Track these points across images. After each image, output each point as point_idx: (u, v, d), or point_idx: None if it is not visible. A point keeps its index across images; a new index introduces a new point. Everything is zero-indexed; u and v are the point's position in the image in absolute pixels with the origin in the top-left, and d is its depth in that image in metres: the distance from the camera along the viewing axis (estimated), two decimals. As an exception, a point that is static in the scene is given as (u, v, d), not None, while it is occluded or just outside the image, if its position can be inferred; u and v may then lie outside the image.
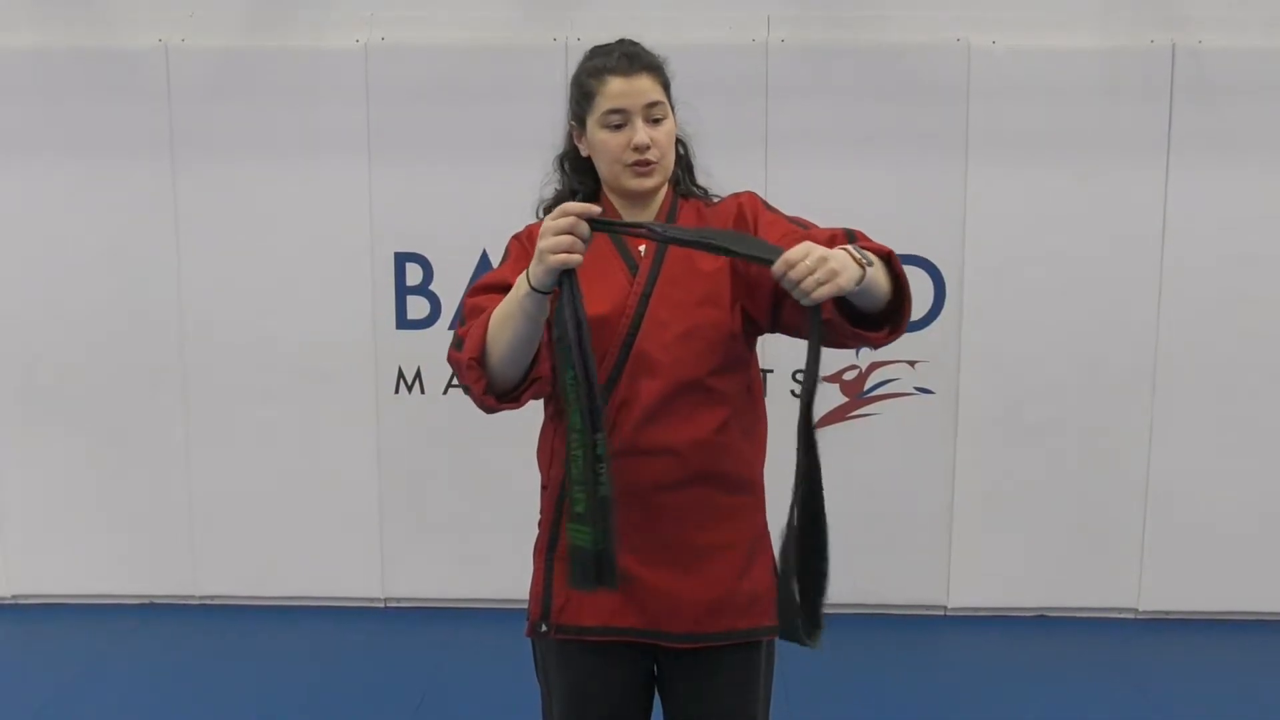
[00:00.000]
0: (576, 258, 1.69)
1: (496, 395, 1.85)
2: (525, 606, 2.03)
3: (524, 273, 1.76)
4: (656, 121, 1.91)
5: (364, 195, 4.04)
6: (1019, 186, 3.97)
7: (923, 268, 4.03)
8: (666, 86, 1.95)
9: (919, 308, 4.03)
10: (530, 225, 2.03)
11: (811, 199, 3.86)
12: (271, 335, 4.13)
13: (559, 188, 2.06)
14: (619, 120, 1.90)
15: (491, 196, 3.96)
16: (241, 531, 4.24)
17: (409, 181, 4.03)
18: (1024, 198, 3.98)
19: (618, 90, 1.89)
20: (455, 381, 4.07)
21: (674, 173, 2.00)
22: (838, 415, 4.09)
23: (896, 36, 3.95)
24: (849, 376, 4.07)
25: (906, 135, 3.95)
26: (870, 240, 1.84)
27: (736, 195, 2.03)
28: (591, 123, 1.93)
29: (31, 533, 4.27)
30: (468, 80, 3.97)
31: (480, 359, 1.82)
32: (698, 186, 2.06)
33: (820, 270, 1.61)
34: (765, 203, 2.01)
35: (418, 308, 4.11)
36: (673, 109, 1.96)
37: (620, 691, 1.99)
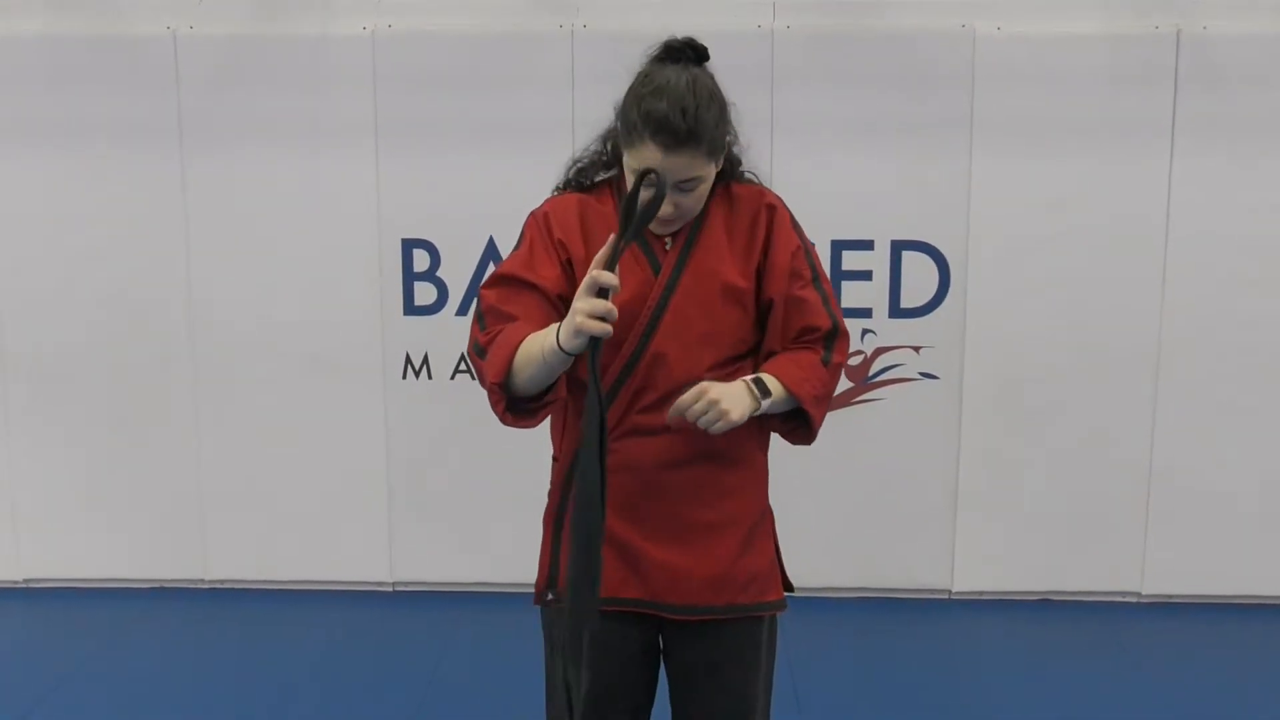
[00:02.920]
0: (608, 328, 1.70)
1: (515, 414, 1.90)
2: (531, 590, 2.06)
3: (556, 329, 1.77)
4: (685, 190, 1.86)
5: (371, 182, 4.06)
6: (1023, 172, 3.98)
7: (927, 253, 4.04)
8: (714, 149, 1.86)
9: (924, 293, 4.05)
10: (548, 202, 2.03)
11: (817, 186, 3.92)
12: (279, 321, 4.15)
13: (597, 149, 2.03)
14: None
15: (498, 183, 3.99)
16: (250, 516, 4.27)
17: (416, 168, 4.04)
18: (1028, 183, 3.98)
19: (652, 160, 1.80)
20: (465, 367, 4.12)
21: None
22: (842, 400, 4.11)
23: (901, 23, 3.95)
24: (854, 362, 4.08)
25: (911, 121, 3.96)
26: (838, 349, 2.00)
27: (764, 195, 2.01)
28: (626, 157, 1.88)
29: (43, 517, 4.30)
30: (474, 67, 3.98)
31: (503, 383, 1.85)
32: (742, 172, 2.04)
33: (711, 412, 1.81)
34: (793, 221, 2.01)
35: (425, 294, 4.12)
36: (721, 151, 1.90)
37: (624, 660, 2.01)
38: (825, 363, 1.97)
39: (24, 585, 4.36)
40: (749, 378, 1.89)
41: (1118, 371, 4.08)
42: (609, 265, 1.72)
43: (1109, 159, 3.96)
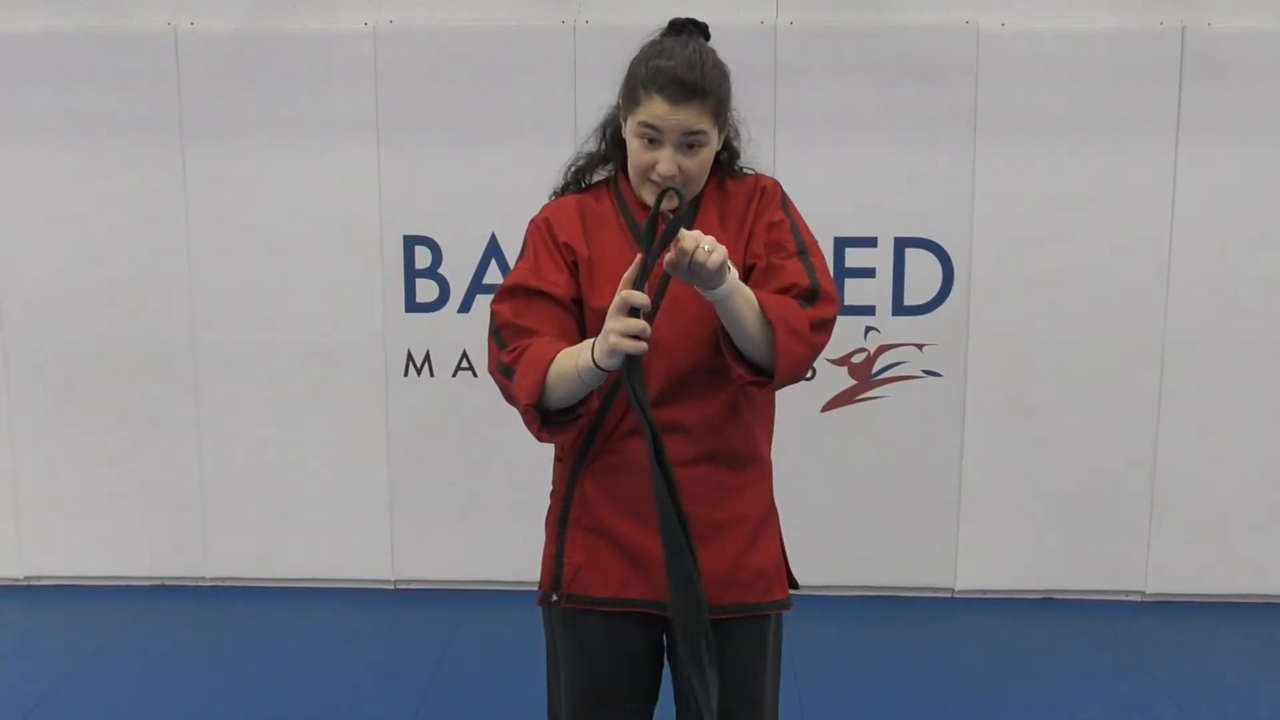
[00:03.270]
0: (643, 345, 1.71)
1: (551, 431, 1.90)
2: (534, 588, 2.05)
3: (590, 345, 1.78)
4: (691, 148, 1.87)
5: (373, 178, 4.05)
6: (1027, 168, 3.97)
7: (930, 250, 4.03)
8: (719, 110, 1.88)
9: (927, 291, 4.04)
10: (546, 207, 2.02)
11: (820, 182, 3.91)
12: (281, 318, 4.14)
13: (593, 150, 2.05)
14: (652, 135, 1.86)
15: (500, 179, 3.98)
16: (252, 514, 4.27)
17: (417, 164, 4.04)
18: (1032, 179, 3.97)
19: (658, 113, 1.84)
20: (467, 365, 4.11)
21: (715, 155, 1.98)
22: (846, 398, 4.10)
23: (905, 18, 3.94)
24: (857, 360, 4.07)
25: (915, 117, 3.95)
26: (820, 307, 1.89)
27: (760, 177, 2.03)
28: (630, 120, 1.90)
29: (44, 515, 4.30)
30: (475, 63, 3.98)
31: (537, 404, 1.85)
32: (739, 168, 2.04)
33: (698, 252, 1.70)
34: (784, 199, 2.01)
35: (426, 291, 4.12)
36: (726, 120, 1.92)
37: (628, 660, 2.00)
38: (802, 308, 1.89)
39: (25, 583, 4.36)
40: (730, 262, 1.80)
41: (1122, 369, 4.06)
42: (637, 284, 1.72)
43: (1113, 155, 3.95)
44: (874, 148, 3.97)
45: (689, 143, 1.86)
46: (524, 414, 1.87)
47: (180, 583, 4.34)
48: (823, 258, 1.98)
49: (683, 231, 1.71)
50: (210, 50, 4.02)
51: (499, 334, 1.94)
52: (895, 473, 4.15)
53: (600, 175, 2.05)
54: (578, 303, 1.94)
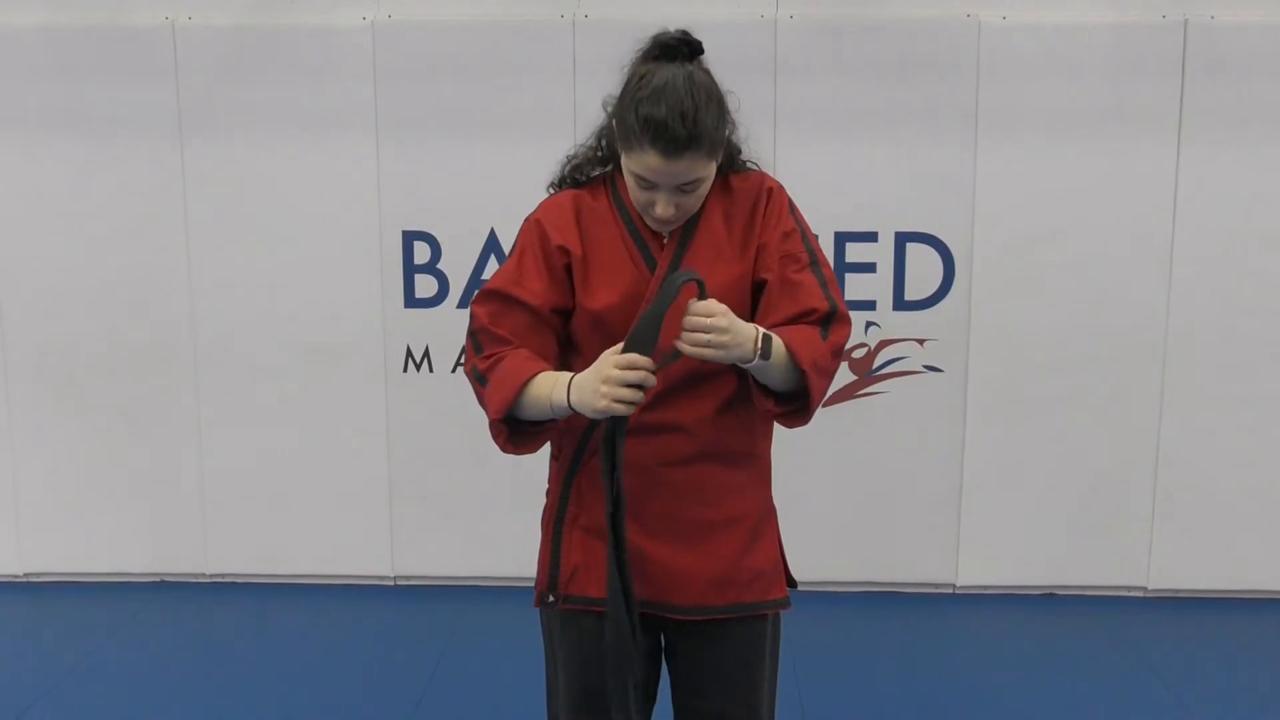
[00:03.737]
0: (631, 409, 1.73)
1: (516, 445, 1.93)
2: (533, 584, 2.04)
3: (568, 384, 1.79)
4: (689, 191, 1.85)
5: (372, 173, 4.04)
6: (1029, 163, 3.95)
7: (931, 245, 4.02)
8: (714, 149, 1.83)
9: (928, 286, 4.03)
10: (542, 206, 2.00)
11: (821, 177, 3.90)
12: (280, 314, 4.13)
13: (593, 145, 2.01)
14: (647, 185, 1.84)
15: (499, 174, 3.97)
16: (252, 510, 4.26)
17: (416, 160, 4.02)
18: (1034, 174, 3.96)
19: (652, 165, 1.79)
20: (463, 360, 4.11)
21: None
22: (846, 393, 4.09)
23: (906, 12, 3.92)
24: (858, 355, 4.06)
25: (916, 112, 3.93)
26: (837, 332, 1.90)
27: (764, 178, 2.00)
28: (625, 159, 1.86)
29: (43, 511, 4.30)
30: (474, 58, 3.96)
31: (505, 419, 1.87)
32: (742, 162, 2.02)
33: (714, 337, 1.72)
34: (791, 205, 1.99)
35: (426, 286, 4.11)
36: (722, 146, 1.87)
37: None
38: (823, 338, 1.90)
39: (25, 579, 4.35)
40: (763, 331, 1.80)
41: (1123, 364, 4.05)
42: (644, 340, 1.72)
43: (1115, 149, 3.93)
44: (875, 142, 3.96)
45: (685, 189, 1.84)
46: (491, 426, 1.91)
47: (180, 579, 4.34)
48: (830, 266, 1.98)
49: (712, 311, 1.73)
50: (208, 45, 4.00)
51: (475, 336, 1.96)
52: (896, 468, 4.14)
53: (598, 171, 2.03)
54: (559, 312, 1.93)
